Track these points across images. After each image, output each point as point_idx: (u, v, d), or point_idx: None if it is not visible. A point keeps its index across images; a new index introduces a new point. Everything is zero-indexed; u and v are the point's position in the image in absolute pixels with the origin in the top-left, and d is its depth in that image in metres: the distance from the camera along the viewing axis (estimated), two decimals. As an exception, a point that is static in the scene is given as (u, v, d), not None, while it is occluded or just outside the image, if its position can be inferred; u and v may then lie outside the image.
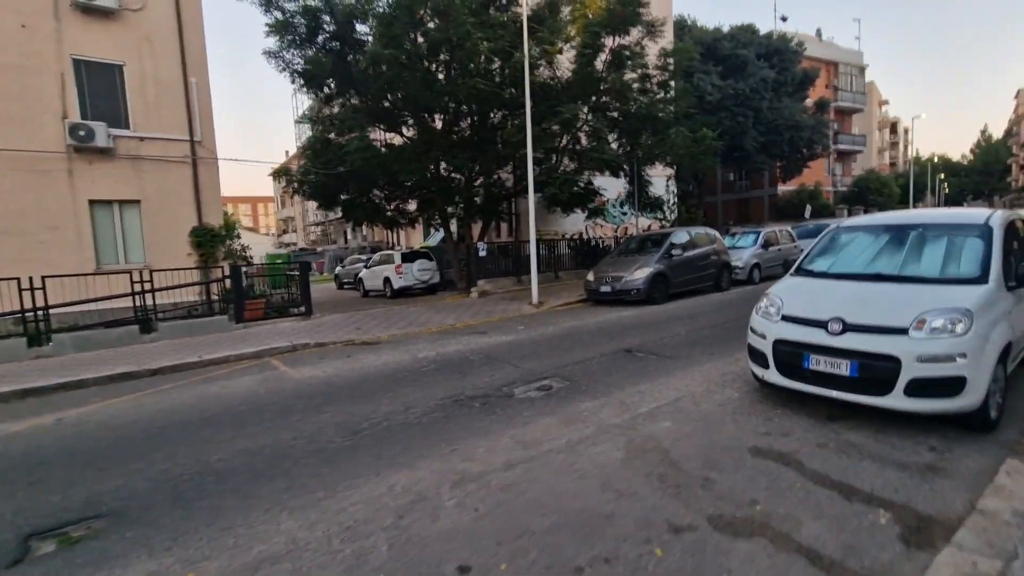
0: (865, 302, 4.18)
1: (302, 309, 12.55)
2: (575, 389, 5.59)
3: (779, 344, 4.42)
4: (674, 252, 12.21)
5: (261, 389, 6.50)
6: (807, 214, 27.66)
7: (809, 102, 35.78)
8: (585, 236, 21.96)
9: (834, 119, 44.11)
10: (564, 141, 15.93)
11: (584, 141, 15.49)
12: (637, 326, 9.19)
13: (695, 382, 5.57)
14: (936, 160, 69.70)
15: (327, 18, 12.18)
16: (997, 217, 4.58)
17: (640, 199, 18.11)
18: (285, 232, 73.96)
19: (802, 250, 11.37)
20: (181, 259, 13.13)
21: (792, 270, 5.31)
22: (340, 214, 21.38)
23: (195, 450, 4.49)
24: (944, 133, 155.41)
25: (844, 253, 5.10)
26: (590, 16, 12.80)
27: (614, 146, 16.49)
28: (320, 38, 12.91)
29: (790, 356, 4.33)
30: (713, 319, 9.47)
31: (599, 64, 14.97)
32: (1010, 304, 4.10)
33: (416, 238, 33.10)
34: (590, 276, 12.71)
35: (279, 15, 12.12)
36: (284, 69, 13.71)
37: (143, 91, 12.97)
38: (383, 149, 15.36)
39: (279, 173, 19.07)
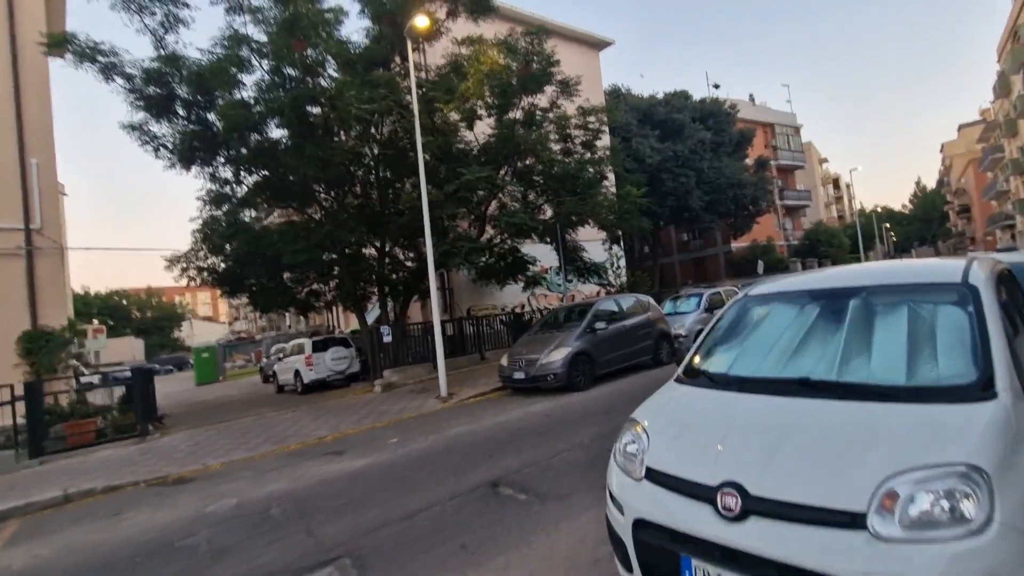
0: (782, 444, 2.22)
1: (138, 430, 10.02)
2: (360, 587, 3.39)
3: (641, 530, 2.38)
4: (598, 326, 10.32)
5: None
6: (759, 270, 26.71)
7: (749, 161, 36.16)
8: (527, 308, 20.16)
9: (777, 176, 45.04)
10: (488, 207, 14.43)
11: (499, 207, 14.00)
12: (536, 431, 7.06)
13: (559, 555, 3.44)
14: (880, 211, 72.36)
15: (178, 84, 10.64)
16: (979, 270, 2.77)
17: (575, 264, 16.53)
18: (236, 319, 70.47)
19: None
20: (5, 371, 10.62)
21: (680, 369, 3.38)
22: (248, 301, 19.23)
23: None
24: (883, 186, 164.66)
25: (753, 340, 3.19)
26: (485, 72, 11.62)
27: (546, 209, 15.09)
28: (179, 107, 11.29)
29: (659, 556, 2.29)
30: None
31: (515, 125, 13.82)
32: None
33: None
34: (504, 359, 10.67)
35: (123, 82, 10.51)
36: (145, 144, 11.94)
37: (-36, 175, 10.97)
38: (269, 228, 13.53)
39: (173, 261, 16.91)
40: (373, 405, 11.00)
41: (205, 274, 16.10)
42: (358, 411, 10.53)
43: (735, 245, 40.47)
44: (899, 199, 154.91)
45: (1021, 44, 35.85)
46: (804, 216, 49.86)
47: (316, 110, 11.14)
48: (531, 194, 14.71)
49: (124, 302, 67.09)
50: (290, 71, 11.20)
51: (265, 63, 11.15)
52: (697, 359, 3.30)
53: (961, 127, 66.37)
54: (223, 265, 16.00)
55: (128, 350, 62.20)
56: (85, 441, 9.71)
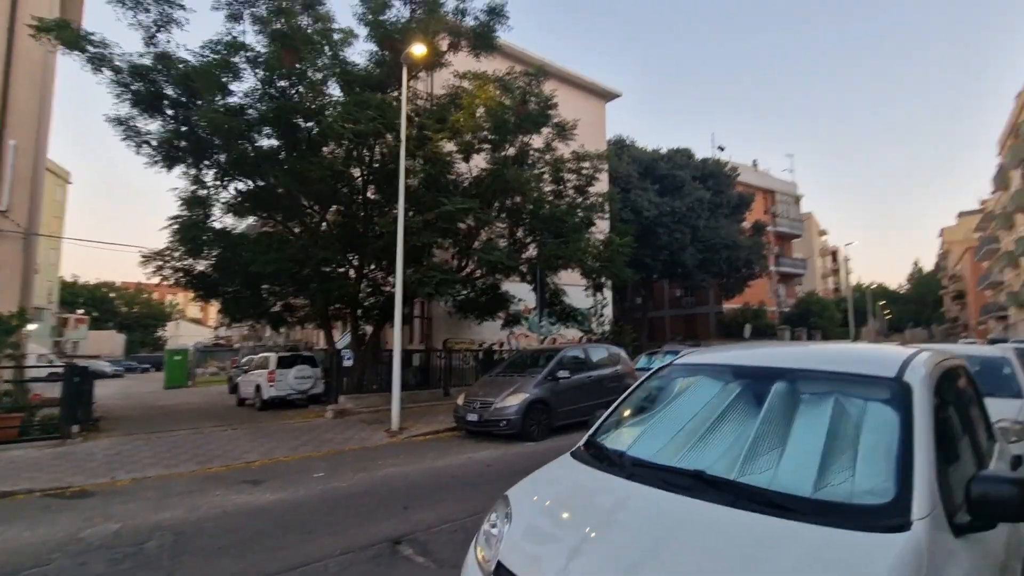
0: (651, 556, 1.81)
1: (71, 431, 9.43)
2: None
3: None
4: (560, 374, 9.87)
5: None
6: (746, 333, 26.35)
7: (746, 225, 36.36)
8: (506, 347, 19.70)
9: (775, 243, 45.32)
10: (474, 242, 14.17)
11: (485, 241, 13.74)
12: (469, 482, 6.55)
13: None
14: (875, 288, 72.66)
15: (167, 83, 10.52)
16: (919, 366, 2.40)
17: (555, 308, 16.19)
18: (222, 325, 69.55)
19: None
20: (-58, 354, 10.10)
21: (582, 440, 2.97)
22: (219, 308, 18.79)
23: None
24: (881, 264, 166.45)
25: (664, 416, 2.80)
26: (478, 106, 11.57)
27: (531, 249, 14.86)
28: (167, 106, 11.14)
29: None
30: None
31: (506, 161, 13.74)
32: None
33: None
34: (460, 399, 10.17)
35: (111, 74, 10.38)
36: (128, 139, 11.74)
37: (-66, 149, 10.74)
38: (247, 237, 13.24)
39: (149, 258, 16.51)
40: (318, 432, 10.43)
41: (180, 275, 15.75)
42: (301, 436, 9.96)
43: (726, 306, 40.29)
44: (896, 278, 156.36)
45: (1021, 140, 36.66)
46: (800, 284, 49.96)
47: (303, 123, 11.01)
48: (519, 232, 14.49)
49: (112, 295, 66.37)
50: (282, 83, 11.12)
51: (259, 72, 11.08)
52: (601, 431, 2.91)
53: (961, 215, 67.51)
54: (199, 268, 15.67)
55: (109, 343, 61.23)
56: (8, 436, 9.12)
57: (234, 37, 11.12)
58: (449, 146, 13.29)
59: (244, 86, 11.18)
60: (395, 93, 13.65)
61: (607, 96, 27.34)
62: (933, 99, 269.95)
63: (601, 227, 17.06)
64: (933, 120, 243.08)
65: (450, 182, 13.15)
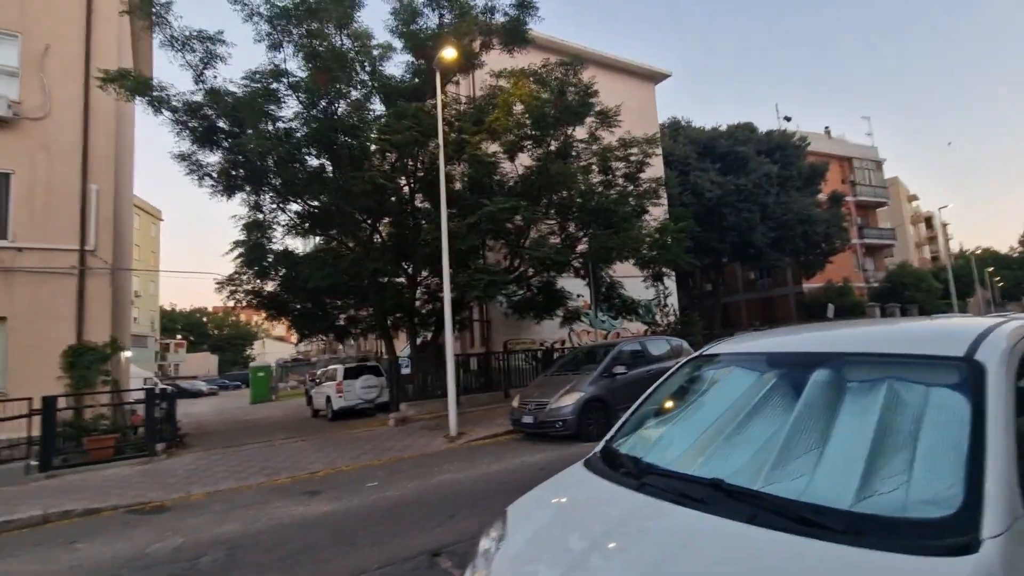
0: None
1: (156, 449, 10.15)
2: None
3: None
4: (617, 370, 9.46)
5: None
6: (830, 314, 24.37)
7: (822, 197, 33.75)
8: (567, 344, 19.39)
9: (857, 214, 41.82)
10: (525, 241, 14.02)
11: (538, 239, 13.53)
12: (520, 488, 6.31)
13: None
14: (981, 253, 65.28)
15: (217, 116, 11.13)
16: (998, 341, 1.90)
17: (612, 301, 15.70)
18: (301, 341, 73.89)
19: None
20: (49, 383, 11.22)
21: (598, 446, 2.68)
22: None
23: None
24: (986, 225, 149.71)
25: (688, 414, 2.47)
26: (513, 103, 11.37)
27: (583, 243, 14.51)
28: (222, 138, 11.81)
29: None
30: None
31: (550, 156, 13.48)
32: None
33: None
34: (515, 401, 10.01)
35: (169, 115, 11.14)
36: (191, 172, 12.57)
37: (30, 199, 11.93)
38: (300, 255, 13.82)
39: (222, 284, 17.66)
40: (380, 440, 10.62)
41: (250, 297, 16.74)
42: (363, 445, 10.18)
43: (807, 285, 37.61)
44: (1006, 240, 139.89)
45: None
46: (891, 256, 45.81)
47: (343, 139, 11.31)
48: (570, 226, 14.16)
49: (204, 319, 72.21)
50: (323, 103, 11.47)
51: (300, 95, 11.50)
52: (620, 435, 2.61)
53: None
54: (267, 288, 16.58)
55: (204, 364, 66.66)
56: (104, 456, 9.95)
57: (276, 65, 11.61)
58: (494, 147, 13.20)
59: (289, 111, 11.68)
60: (432, 101, 13.79)
61: (655, 78, 26.32)
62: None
63: (656, 214, 16.36)
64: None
65: (495, 183, 13.05)
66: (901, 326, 2.57)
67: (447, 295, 10.66)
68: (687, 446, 2.21)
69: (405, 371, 13.02)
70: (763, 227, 29.33)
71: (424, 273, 14.84)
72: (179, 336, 65.61)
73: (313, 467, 8.59)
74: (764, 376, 2.36)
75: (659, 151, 16.98)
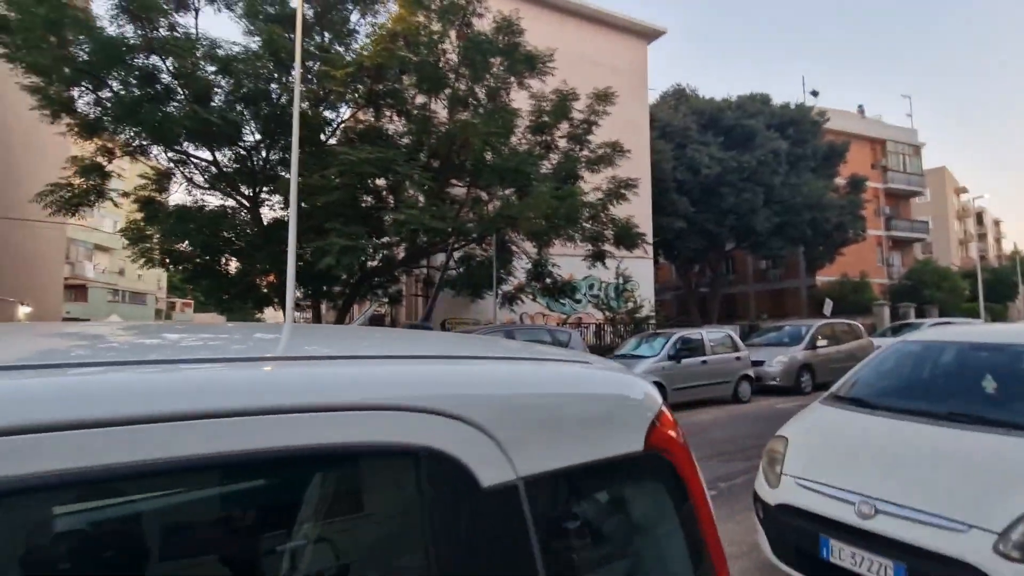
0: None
1: None
2: None
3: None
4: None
5: None
6: (826, 310, 21.65)
7: (841, 181, 30.37)
8: (516, 326, 17.56)
9: (886, 202, 38.01)
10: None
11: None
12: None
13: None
14: (1032, 254, 59.47)
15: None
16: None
17: (540, 280, 13.70)
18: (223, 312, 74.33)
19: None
20: None
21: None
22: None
23: None
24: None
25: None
26: (388, 34, 9.32)
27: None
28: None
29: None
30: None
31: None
32: None
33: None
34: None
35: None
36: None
37: None
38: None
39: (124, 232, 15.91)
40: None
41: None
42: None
43: (820, 278, 34.37)
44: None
45: None
46: (929, 254, 41.83)
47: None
48: (476, 191, 12.15)
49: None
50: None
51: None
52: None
53: None
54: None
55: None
56: None
57: None
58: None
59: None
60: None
61: (649, 35, 23.52)
62: None
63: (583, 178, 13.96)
64: None
65: (384, 134, 11.09)
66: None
67: (291, 264, 8.85)
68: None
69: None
70: (766, 211, 26.43)
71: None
72: (188, 296, 66.30)
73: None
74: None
75: (645, 119, 14.54)
